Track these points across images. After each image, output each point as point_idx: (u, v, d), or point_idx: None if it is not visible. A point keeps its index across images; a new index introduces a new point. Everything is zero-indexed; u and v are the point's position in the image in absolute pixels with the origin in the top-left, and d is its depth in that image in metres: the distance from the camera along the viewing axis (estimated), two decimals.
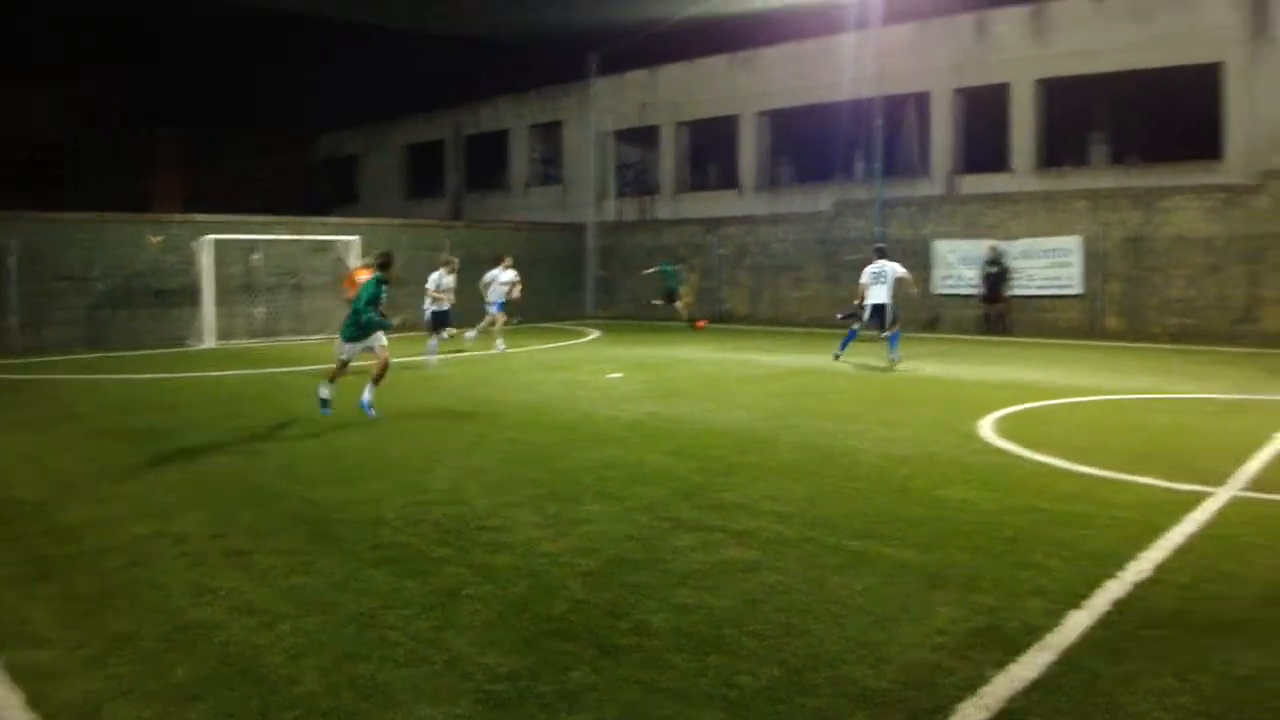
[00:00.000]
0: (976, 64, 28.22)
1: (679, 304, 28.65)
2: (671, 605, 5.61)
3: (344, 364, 12.47)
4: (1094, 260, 25.32)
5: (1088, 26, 26.38)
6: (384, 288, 12.32)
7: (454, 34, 38.14)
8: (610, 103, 36.76)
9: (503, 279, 21.44)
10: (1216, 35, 24.46)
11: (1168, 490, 8.32)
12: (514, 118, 40.05)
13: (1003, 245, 26.31)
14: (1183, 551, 6.61)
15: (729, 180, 34.04)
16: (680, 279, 29.01)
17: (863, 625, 5.31)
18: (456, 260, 19.86)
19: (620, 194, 37.18)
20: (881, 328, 18.16)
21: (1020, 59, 27.42)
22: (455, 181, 42.74)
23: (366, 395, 12.34)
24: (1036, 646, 4.99)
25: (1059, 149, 27.69)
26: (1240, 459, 9.62)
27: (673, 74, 35.09)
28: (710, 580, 6.04)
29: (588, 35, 35.24)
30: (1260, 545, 6.81)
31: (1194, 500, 7.94)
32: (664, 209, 35.27)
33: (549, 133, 39.54)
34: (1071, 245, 25.47)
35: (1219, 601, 5.71)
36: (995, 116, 27.99)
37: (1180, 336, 23.66)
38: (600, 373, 17.45)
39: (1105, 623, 5.34)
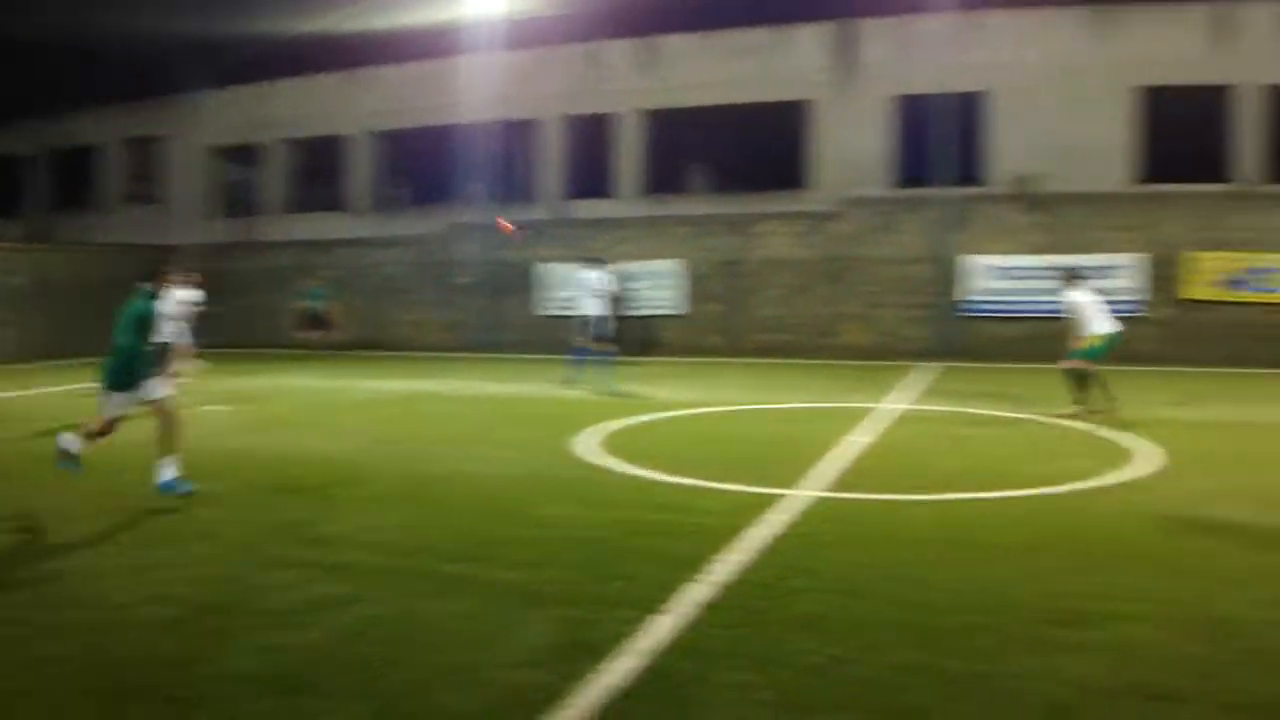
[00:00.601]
0: (587, 93, 29.12)
1: (315, 334, 27.26)
2: (259, 648, 5.28)
3: (112, 422, 9.09)
4: (695, 282, 26.67)
5: (692, 62, 27.98)
6: (157, 309, 9.29)
7: (39, 39, 34.99)
8: (216, 118, 34.92)
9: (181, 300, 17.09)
10: (806, 76, 26.76)
11: (754, 494, 8.76)
12: (107, 131, 37.22)
13: (623, 269, 27.13)
14: (764, 552, 6.97)
15: (340, 201, 33.21)
16: (324, 302, 27.62)
17: (458, 649, 5.22)
18: (197, 274, 17.91)
19: (226, 214, 35.42)
20: (598, 340, 17.87)
21: (629, 90, 28.55)
22: (37, 199, 39.24)
23: (166, 473, 9.04)
24: (625, 654, 5.06)
25: (663, 177, 28.94)
26: (820, 461, 10.35)
27: (284, 90, 33.79)
28: (302, 618, 5.73)
29: (193, 46, 33.35)
30: (834, 541, 7.31)
31: (777, 502, 8.43)
32: (272, 230, 33.86)
33: (147, 148, 37.03)
34: (673, 268, 26.67)
35: (796, 596, 6.04)
36: (604, 144, 28.95)
37: (773, 352, 25.27)
38: (197, 405, 16.44)
39: (691, 625, 5.51)
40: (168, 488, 8.90)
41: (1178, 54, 24.60)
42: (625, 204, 28.57)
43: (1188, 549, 7.23)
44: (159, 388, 9.09)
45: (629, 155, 28.82)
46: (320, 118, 33.07)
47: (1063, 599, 6.02)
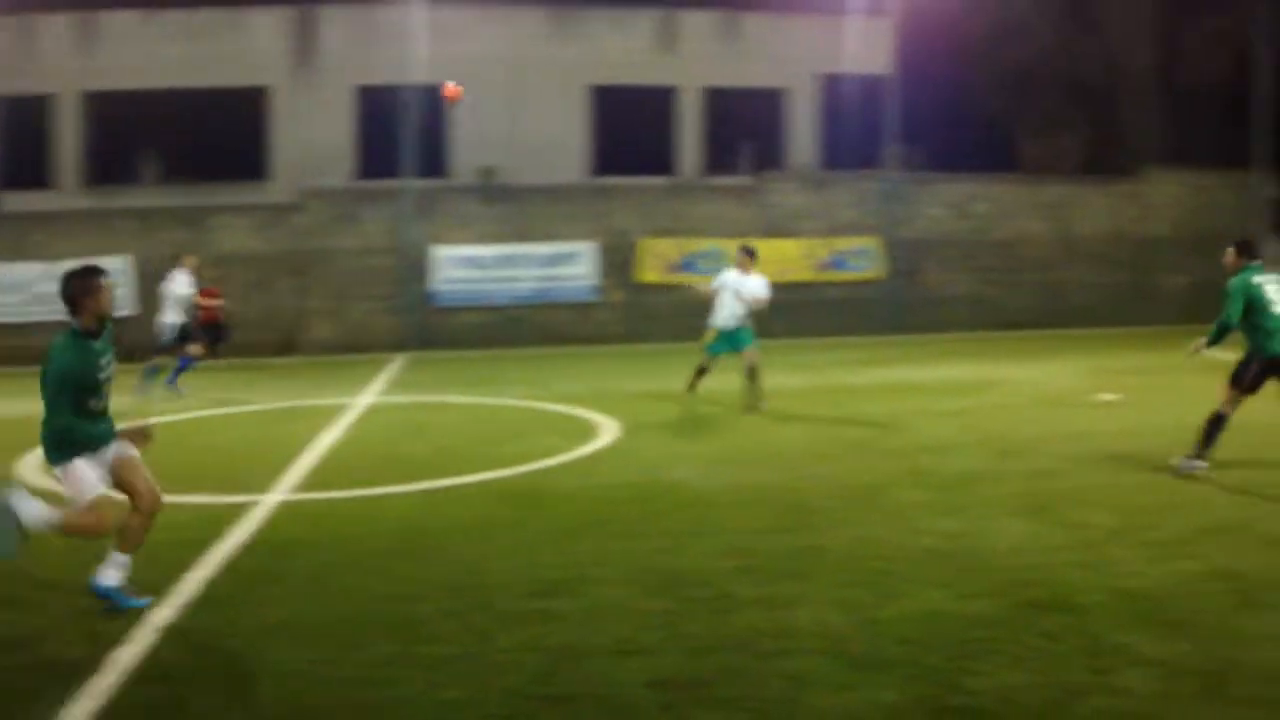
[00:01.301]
0: (17, 70, 26.24)
1: None
2: None
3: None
4: (144, 280, 24.66)
5: (136, 42, 26.18)
6: (99, 345, 5.95)
7: None
8: None
9: None
10: (263, 60, 25.98)
11: (218, 505, 8.41)
12: None
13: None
14: (231, 565, 6.76)
15: None
16: None
17: None
18: None
19: None
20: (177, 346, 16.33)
21: (66, 69, 26.18)
22: None
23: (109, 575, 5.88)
24: (84, 696, 4.65)
25: (109, 165, 26.85)
26: (288, 463, 10.16)
27: None
28: None
29: None
30: (302, 543, 7.28)
31: (243, 511, 8.17)
32: None
33: None
34: (120, 266, 24.59)
35: (265, 606, 5.90)
36: (38, 129, 26.40)
37: (238, 351, 24.23)
38: None
39: (154, 654, 5.19)
40: (110, 594, 5.88)
41: (627, 56, 26.59)
42: (64, 196, 26.18)
43: (645, 511, 7.88)
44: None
45: (68, 141, 26.47)
46: None
47: (538, 570, 6.40)
